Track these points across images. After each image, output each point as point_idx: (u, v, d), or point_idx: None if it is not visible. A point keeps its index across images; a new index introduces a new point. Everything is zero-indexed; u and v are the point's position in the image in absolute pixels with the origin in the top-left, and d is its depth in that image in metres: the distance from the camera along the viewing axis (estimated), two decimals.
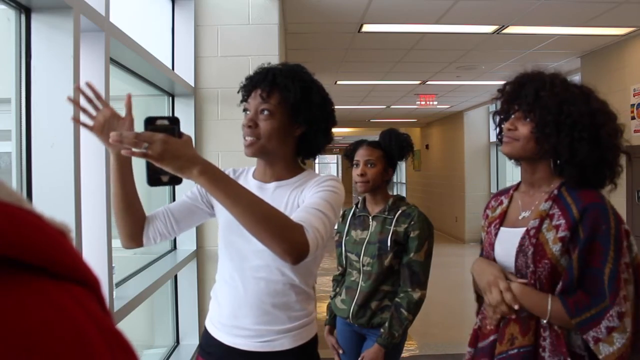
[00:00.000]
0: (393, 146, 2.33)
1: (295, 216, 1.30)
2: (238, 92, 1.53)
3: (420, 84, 7.44)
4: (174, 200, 2.93)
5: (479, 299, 1.64)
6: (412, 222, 2.23)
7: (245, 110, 1.50)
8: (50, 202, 1.70)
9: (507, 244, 1.46)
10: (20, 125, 1.69)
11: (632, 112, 4.87)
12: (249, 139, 1.46)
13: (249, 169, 1.62)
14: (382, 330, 2.21)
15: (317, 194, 1.40)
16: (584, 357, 1.33)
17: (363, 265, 2.30)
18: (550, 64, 6.08)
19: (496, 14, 4.19)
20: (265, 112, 1.45)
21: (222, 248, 1.56)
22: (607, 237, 1.31)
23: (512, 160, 1.56)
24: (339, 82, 7.32)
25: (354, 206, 2.49)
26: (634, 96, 4.87)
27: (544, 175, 1.47)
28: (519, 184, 1.59)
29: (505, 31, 4.61)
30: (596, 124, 1.39)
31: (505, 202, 1.57)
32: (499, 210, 1.57)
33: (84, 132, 1.76)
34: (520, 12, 4.10)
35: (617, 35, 4.87)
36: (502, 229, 1.52)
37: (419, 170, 14.25)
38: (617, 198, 5.08)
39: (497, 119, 1.56)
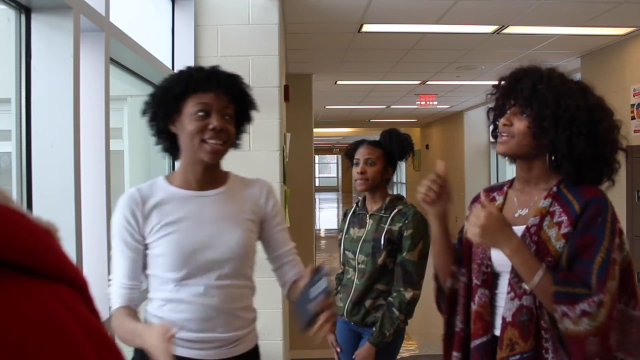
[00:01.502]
0: (394, 145, 2.33)
1: (294, 269, 1.57)
2: (183, 83, 1.42)
3: (420, 84, 7.44)
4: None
5: (440, 292, 1.63)
6: (407, 221, 2.23)
7: (200, 107, 1.40)
8: (50, 202, 1.70)
9: None
10: (20, 125, 1.69)
11: (632, 112, 4.87)
12: (219, 142, 1.42)
13: (155, 181, 1.50)
14: (374, 329, 2.22)
15: (282, 224, 1.59)
16: None
17: (358, 263, 2.31)
18: (550, 64, 6.06)
19: (496, 14, 4.18)
20: (228, 117, 1.44)
21: (169, 272, 1.43)
22: (602, 229, 1.31)
23: (507, 158, 1.54)
24: (339, 82, 7.32)
25: (355, 205, 2.50)
26: (634, 96, 4.86)
27: (541, 172, 1.45)
28: (512, 182, 1.57)
29: (505, 31, 4.60)
30: (594, 119, 1.38)
31: (500, 199, 1.55)
32: None
33: (83, 132, 1.77)
34: (520, 12, 4.10)
35: (617, 35, 4.87)
36: None
37: (419, 171, 14.24)
38: (617, 198, 5.08)
39: (492, 115, 1.55)
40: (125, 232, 1.44)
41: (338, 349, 2.45)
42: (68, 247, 1.73)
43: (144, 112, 1.48)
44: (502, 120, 1.45)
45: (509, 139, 1.43)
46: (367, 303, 2.28)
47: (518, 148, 1.43)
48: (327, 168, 34.70)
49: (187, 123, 1.40)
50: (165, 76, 1.51)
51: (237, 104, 1.47)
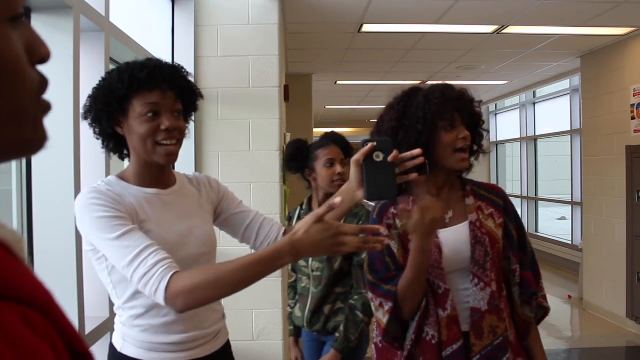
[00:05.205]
0: (344, 145, 2.30)
1: (273, 223, 1.53)
2: (124, 84, 1.30)
3: (420, 84, 7.43)
4: None
5: (395, 323, 1.53)
6: (360, 222, 2.13)
7: (149, 108, 1.31)
8: (50, 202, 1.70)
9: (455, 240, 1.48)
10: None
11: (632, 112, 4.87)
12: (173, 143, 1.34)
13: (117, 181, 1.38)
14: (337, 334, 2.15)
15: (238, 200, 1.56)
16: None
17: (312, 271, 2.23)
18: (550, 64, 6.07)
19: (496, 14, 4.18)
20: (177, 114, 1.36)
21: None
22: (518, 215, 1.61)
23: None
24: (339, 82, 7.32)
25: (299, 207, 2.40)
26: (634, 96, 4.86)
27: (454, 177, 1.57)
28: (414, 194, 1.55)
29: (505, 31, 4.60)
30: None
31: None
32: None
33: (83, 132, 1.77)
34: (520, 12, 4.10)
35: (617, 35, 4.87)
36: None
37: None
38: (617, 198, 5.06)
39: (427, 128, 1.46)
40: (118, 212, 1.25)
41: None
42: (67, 247, 1.73)
43: (85, 116, 1.37)
44: (465, 135, 1.48)
45: (467, 154, 1.51)
46: (326, 309, 2.20)
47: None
48: None
49: (136, 125, 1.31)
50: (103, 75, 1.38)
51: (184, 96, 1.39)
